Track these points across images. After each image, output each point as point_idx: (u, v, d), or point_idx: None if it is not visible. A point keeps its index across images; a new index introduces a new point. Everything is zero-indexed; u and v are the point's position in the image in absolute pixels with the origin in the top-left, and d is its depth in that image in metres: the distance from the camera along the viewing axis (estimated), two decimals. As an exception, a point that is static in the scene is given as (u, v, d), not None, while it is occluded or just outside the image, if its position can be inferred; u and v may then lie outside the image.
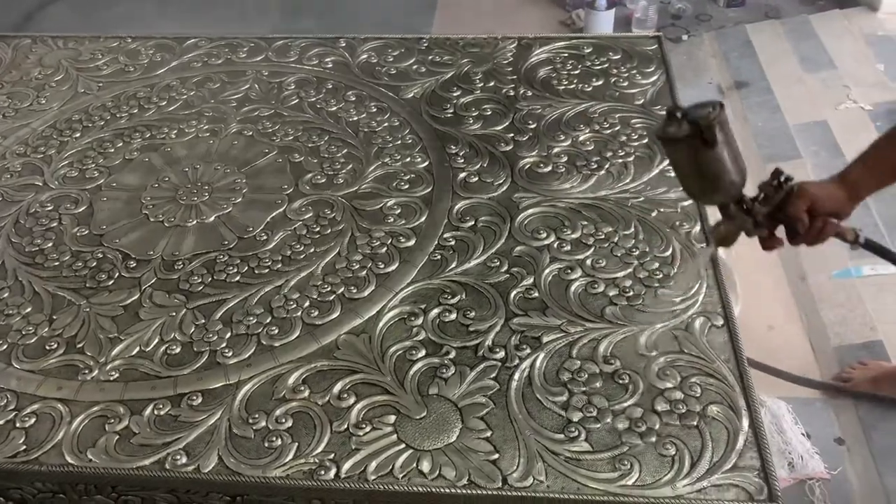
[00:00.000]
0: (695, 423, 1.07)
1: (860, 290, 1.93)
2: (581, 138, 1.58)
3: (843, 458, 1.66)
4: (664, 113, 1.11)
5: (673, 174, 1.45)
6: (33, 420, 1.12)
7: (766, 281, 1.90)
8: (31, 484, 1.10)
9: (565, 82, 1.75)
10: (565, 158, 1.53)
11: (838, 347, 1.81)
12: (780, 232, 1.24)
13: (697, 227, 1.37)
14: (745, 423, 1.06)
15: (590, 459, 1.03)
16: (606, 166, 1.51)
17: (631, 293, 1.26)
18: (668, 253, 1.32)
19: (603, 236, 1.36)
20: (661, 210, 1.40)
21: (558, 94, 1.71)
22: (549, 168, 1.51)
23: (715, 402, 1.09)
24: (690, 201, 1.42)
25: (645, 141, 1.57)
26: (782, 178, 1.16)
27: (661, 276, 1.28)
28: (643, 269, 1.30)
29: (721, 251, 1.84)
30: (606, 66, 1.79)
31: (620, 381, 1.12)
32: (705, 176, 1.11)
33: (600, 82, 1.74)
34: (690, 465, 1.02)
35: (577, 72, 1.78)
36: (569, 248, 1.34)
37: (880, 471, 1.62)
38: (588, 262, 1.32)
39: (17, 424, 1.11)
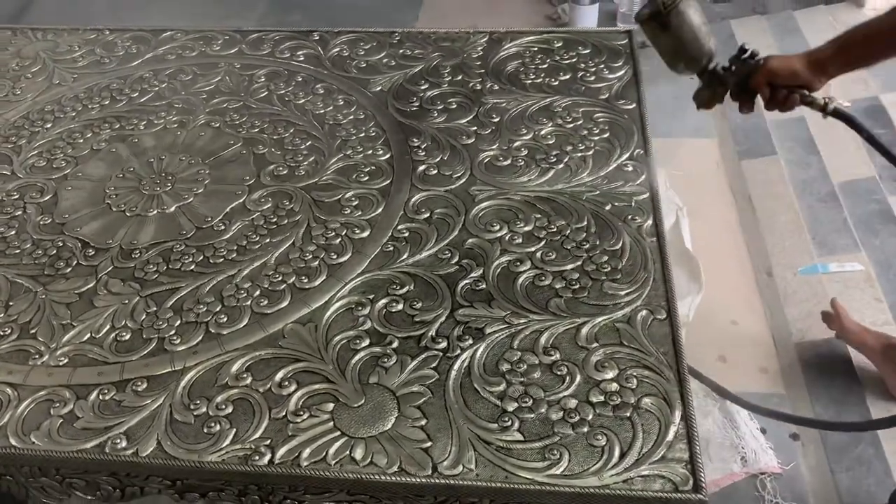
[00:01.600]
0: (627, 414, 1.08)
1: (826, 287, 1.93)
2: (543, 132, 1.59)
3: (797, 454, 1.67)
4: (638, 19, 1.32)
5: (629, 168, 1.47)
6: (-19, 403, 1.14)
7: (732, 274, 1.91)
8: (-22, 465, 1.13)
9: (532, 76, 1.76)
10: (525, 152, 1.54)
11: (800, 343, 1.81)
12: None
13: (650, 222, 1.37)
14: (678, 415, 1.07)
15: (520, 449, 1.04)
16: (565, 160, 1.52)
17: (577, 286, 1.27)
18: (619, 246, 1.33)
19: (555, 229, 1.37)
20: (615, 204, 1.41)
21: (524, 89, 1.72)
22: (509, 161, 1.52)
23: (650, 394, 1.10)
24: (645, 195, 1.43)
25: (606, 136, 1.57)
26: (747, 54, 1.30)
27: (608, 269, 1.29)
28: (591, 263, 1.31)
29: (688, 244, 1.86)
30: (575, 60, 1.80)
31: (558, 373, 1.14)
32: (694, 32, 1.28)
33: (567, 77, 1.75)
34: (620, 455, 1.03)
35: (545, 66, 1.78)
36: (520, 240, 1.35)
37: (833, 467, 1.63)
38: (538, 254, 1.33)
39: (-34, 407, 1.14)
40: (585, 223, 1.38)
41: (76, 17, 3.31)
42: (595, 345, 1.17)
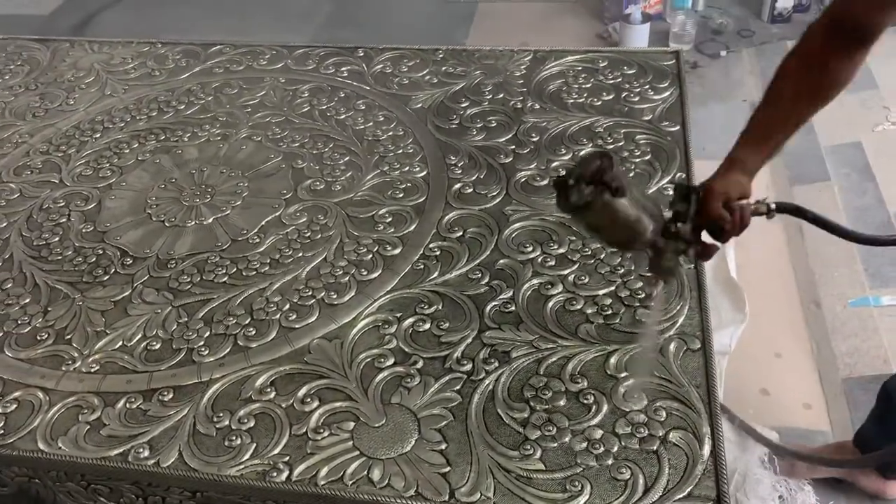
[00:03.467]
0: (654, 447, 1.04)
1: (877, 321, 1.84)
2: (582, 153, 1.56)
3: (838, 495, 1.59)
4: (554, 186, 1.07)
5: (669, 192, 1.43)
6: (14, 406, 1.17)
7: (778, 305, 1.84)
8: (8, 467, 1.16)
9: (574, 96, 1.73)
10: (563, 173, 1.52)
11: (847, 379, 1.73)
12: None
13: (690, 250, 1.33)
14: (707, 450, 1.03)
15: (541, 479, 1.02)
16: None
17: (609, 312, 1.24)
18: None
19: (589, 252, 1.34)
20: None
21: (566, 108, 1.70)
22: (546, 182, 1.50)
23: (679, 427, 1.06)
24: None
25: (647, 158, 1.54)
26: (688, 190, 1.14)
27: (643, 295, 1.26)
28: (625, 288, 1.27)
29: (733, 273, 1.80)
30: (619, 80, 1.77)
31: (584, 401, 1.11)
32: (627, 223, 1.05)
33: (610, 97, 1.72)
34: (644, 490, 1.00)
35: (588, 85, 1.76)
36: (553, 262, 1.33)
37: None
38: (570, 277, 1.30)
39: (0, 410, 1.16)
40: (621, 247, 1.34)
41: (138, 30, 3.41)
42: (624, 374, 1.14)
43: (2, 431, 1.13)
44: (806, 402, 1.69)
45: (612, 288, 1.28)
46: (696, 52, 2.84)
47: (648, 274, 1.21)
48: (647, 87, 1.74)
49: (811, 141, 2.30)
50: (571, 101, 1.72)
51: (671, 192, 1.22)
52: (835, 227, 1.28)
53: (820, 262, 1.98)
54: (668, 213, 1.14)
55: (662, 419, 1.07)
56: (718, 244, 1.15)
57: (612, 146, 1.57)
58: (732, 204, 1.12)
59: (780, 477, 1.44)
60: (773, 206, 1.19)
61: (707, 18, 3.01)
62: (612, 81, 1.77)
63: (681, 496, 0.98)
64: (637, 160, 1.53)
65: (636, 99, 1.71)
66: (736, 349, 1.72)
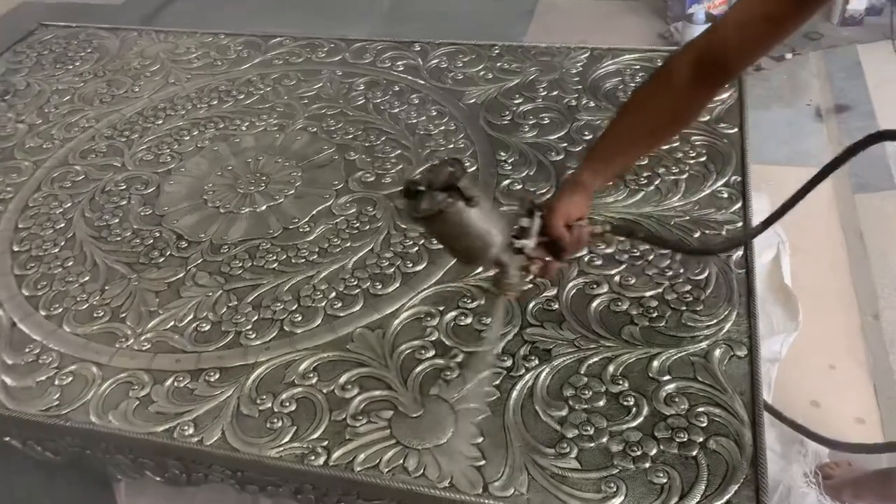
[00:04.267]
0: (693, 453, 1.02)
1: (941, 336, 1.77)
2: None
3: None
4: (403, 194, 1.02)
5: (723, 195, 1.40)
6: (70, 379, 1.22)
7: (834, 315, 1.78)
8: (62, 437, 1.21)
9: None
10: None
11: (905, 395, 1.67)
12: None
13: (740, 253, 1.31)
14: (749, 459, 1.01)
15: (576, 478, 1.01)
16: (656, 182, 1.47)
17: (655, 314, 1.22)
18: (703, 276, 1.27)
19: (638, 253, 1.33)
20: (705, 232, 1.35)
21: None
22: (596, 181, 1.48)
23: (721, 434, 1.04)
24: (738, 224, 1.36)
25: (702, 160, 1.51)
26: (531, 207, 1.12)
27: (690, 299, 1.24)
28: (672, 291, 1.25)
29: (787, 280, 1.76)
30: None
31: (624, 403, 1.09)
32: (477, 234, 1.01)
33: (667, 97, 1.69)
34: (680, 495, 0.98)
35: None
36: (600, 262, 1.32)
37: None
38: (616, 278, 1.29)
39: (56, 382, 1.21)
40: (670, 250, 1.32)
41: (203, 21, 3.49)
42: (667, 377, 1.12)
43: (57, 403, 1.18)
44: (859, 416, 1.63)
45: (659, 290, 1.26)
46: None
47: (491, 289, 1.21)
48: (705, 87, 1.70)
49: (878, 148, 2.21)
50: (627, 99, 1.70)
51: (517, 208, 1.20)
52: (667, 242, 1.31)
53: (881, 273, 1.91)
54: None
55: (704, 425, 1.06)
56: (558, 263, 1.14)
57: (666, 147, 1.54)
58: (572, 224, 1.12)
59: (825, 497, 1.40)
60: (608, 227, 1.18)
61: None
62: (669, 81, 1.73)
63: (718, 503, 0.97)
64: (692, 161, 1.51)
65: (694, 100, 1.67)
66: (788, 358, 1.67)
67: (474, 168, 1.56)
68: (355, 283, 1.33)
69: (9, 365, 1.25)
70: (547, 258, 1.12)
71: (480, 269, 1.32)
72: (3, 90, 1.98)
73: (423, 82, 1.85)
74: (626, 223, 1.35)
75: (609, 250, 1.33)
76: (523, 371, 1.15)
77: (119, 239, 1.49)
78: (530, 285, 1.24)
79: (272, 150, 1.69)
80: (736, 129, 1.58)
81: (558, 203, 1.12)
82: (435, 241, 1.31)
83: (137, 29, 2.23)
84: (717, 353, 1.15)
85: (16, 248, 1.48)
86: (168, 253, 1.44)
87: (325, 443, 1.08)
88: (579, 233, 1.13)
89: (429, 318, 1.24)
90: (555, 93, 1.76)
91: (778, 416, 1.44)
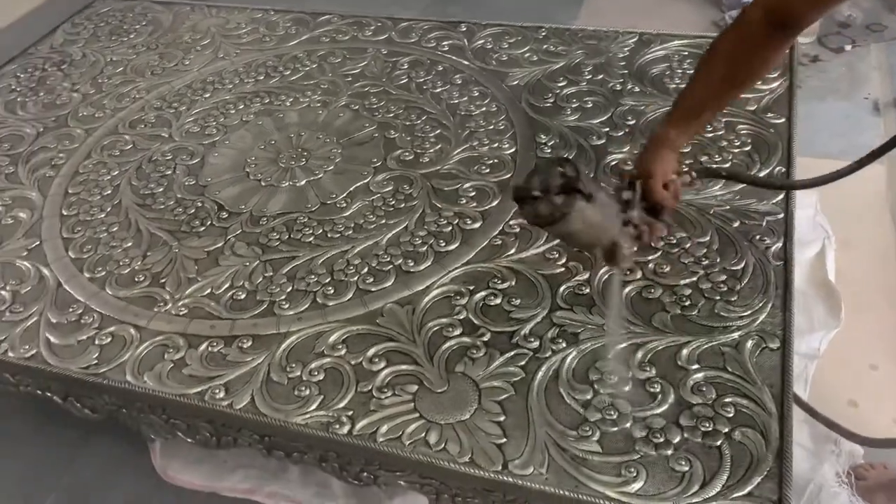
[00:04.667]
0: (718, 443, 1.01)
1: None
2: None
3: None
4: (516, 201, 1.05)
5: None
6: (109, 339, 1.26)
7: (880, 314, 1.72)
8: (100, 395, 1.25)
9: (678, 81, 1.68)
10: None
11: (950, 400, 1.61)
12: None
13: (779, 245, 1.28)
14: (774, 452, 0.99)
15: (596, 461, 1.01)
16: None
17: (687, 303, 1.20)
18: (740, 266, 1.25)
19: (674, 241, 1.31)
20: (745, 222, 1.33)
21: (666, 93, 1.65)
22: (636, 167, 1.47)
23: (747, 425, 1.03)
24: (780, 215, 1.33)
25: (747, 149, 1.48)
26: (631, 179, 1.15)
27: (725, 289, 1.22)
28: (707, 280, 1.24)
29: (831, 276, 1.71)
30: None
31: (650, 390, 1.09)
32: (598, 224, 1.04)
33: (715, 84, 1.65)
34: (701, 484, 0.97)
35: (692, 71, 1.70)
36: (635, 248, 1.30)
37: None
38: (651, 265, 1.27)
39: (96, 341, 1.26)
40: (708, 238, 1.30)
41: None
42: (695, 366, 1.11)
43: (96, 361, 1.22)
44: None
45: (694, 279, 1.24)
46: (818, 45, 2.68)
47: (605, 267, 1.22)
48: (755, 76, 1.66)
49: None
50: (674, 85, 1.67)
51: (615, 182, 1.23)
52: (750, 178, 1.36)
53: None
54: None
55: (730, 415, 1.04)
56: (663, 224, 1.18)
57: (710, 134, 1.52)
58: (668, 182, 1.16)
59: (857, 498, 1.37)
60: (694, 175, 1.24)
61: (834, 10, 2.84)
62: (718, 69, 1.70)
63: (739, 494, 0.96)
64: (735, 150, 1.48)
65: (742, 88, 1.64)
66: (828, 356, 1.63)
67: (512, 150, 1.56)
68: (388, 259, 1.34)
69: (53, 323, 1.29)
70: (652, 222, 1.16)
71: (513, 251, 1.32)
72: (59, 60, 2.05)
73: (467, 63, 1.85)
74: (706, 167, 1.39)
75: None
76: (550, 353, 1.15)
77: (163, 207, 1.52)
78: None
79: (314, 126, 1.71)
80: (784, 119, 1.54)
81: (654, 166, 1.15)
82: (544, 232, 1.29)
83: (190, 3, 2.27)
84: (749, 344, 1.13)
85: (65, 213, 1.53)
86: (209, 223, 1.47)
87: (350, 412, 1.10)
88: (676, 188, 1.18)
89: (458, 297, 1.25)
90: (600, 77, 1.74)
91: (810, 411, 1.41)
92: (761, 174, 1.42)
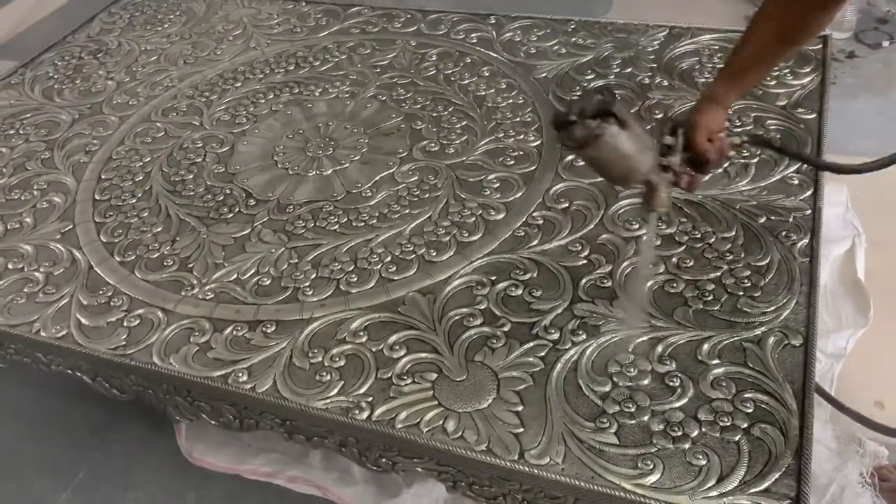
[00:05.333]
0: (736, 438, 1.01)
1: None
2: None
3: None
4: (554, 125, 1.09)
5: (794, 181, 1.36)
6: (137, 322, 1.29)
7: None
8: (127, 376, 1.28)
9: (707, 75, 1.67)
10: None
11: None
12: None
13: (805, 241, 1.27)
14: (793, 449, 0.99)
15: (613, 453, 1.01)
16: (725, 165, 1.43)
17: (710, 298, 1.20)
18: (765, 262, 1.24)
19: (699, 236, 1.30)
20: (771, 218, 1.31)
21: (695, 87, 1.64)
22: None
23: (766, 421, 1.02)
24: (807, 212, 1.32)
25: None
26: (675, 124, 1.18)
27: (748, 284, 1.21)
28: (731, 276, 1.23)
29: (860, 275, 1.69)
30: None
31: (670, 384, 1.08)
32: (630, 156, 1.08)
33: (745, 79, 1.64)
34: (718, 479, 0.97)
35: (722, 66, 1.68)
36: (658, 242, 1.30)
37: None
38: (674, 259, 1.27)
39: (125, 323, 1.28)
40: (733, 234, 1.30)
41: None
42: (716, 361, 1.10)
43: (124, 343, 1.25)
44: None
45: (717, 274, 1.23)
46: (854, 41, 2.63)
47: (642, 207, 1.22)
48: (786, 71, 1.65)
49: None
50: (703, 80, 1.66)
51: (657, 125, 1.30)
52: (801, 155, 1.38)
53: None
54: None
55: (749, 411, 1.04)
56: (703, 175, 1.22)
57: (739, 129, 1.50)
58: (713, 137, 1.18)
59: (880, 499, 1.35)
60: (745, 138, 1.27)
61: (872, 6, 2.78)
62: (748, 63, 1.68)
63: (756, 490, 0.95)
64: (764, 146, 1.46)
65: (772, 83, 1.62)
66: (855, 356, 1.61)
67: (538, 143, 1.56)
68: (411, 248, 1.35)
69: (83, 305, 1.33)
70: (692, 172, 1.19)
71: (535, 242, 1.32)
72: (96, 48, 2.09)
73: (495, 55, 1.85)
74: (761, 136, 1.41)
75: (669, 231, 1.31)
76: (569, 345, 1.15)
77: (192, 194, 1.55)
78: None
79: (342, 117, 1.73)
80: (814, 115, 1.52)
81: (700, 118, 1.18)
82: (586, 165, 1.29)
83: (224, -6, 2.30)
84: (772, 340, 1.12)
85: (97, 197, 1.57)
86: (237, 209, 1.50)
87: (370, 399, 1.11)
88: (721, 145, 1.19)
89: (480, 287, 1.26)
90: (628, 70, 1.73)
91: (838, 405, 1.40)
92: (789, 169, 1.41)
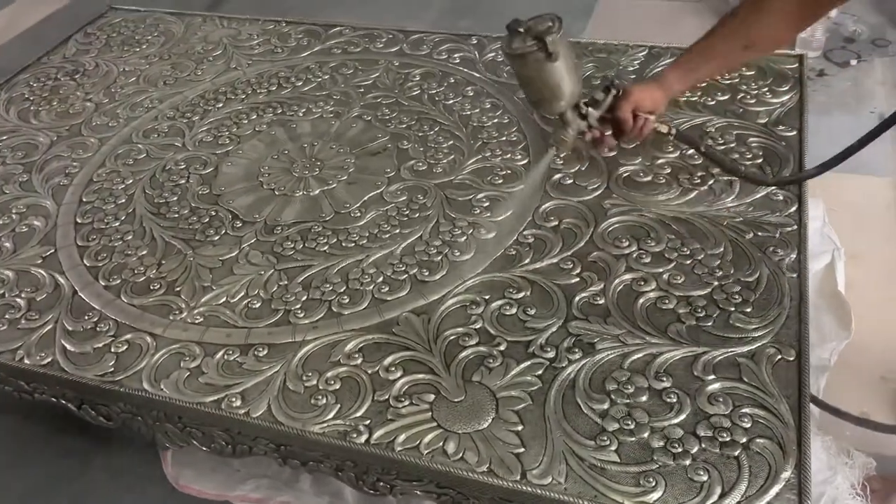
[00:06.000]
0: (736, 453, 1.01)
1: None
2: (691, 151, 1.53)
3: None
4: (507, 29, 1.21)
5: (779, 197, 1.39)
6: (125, 347, 1.26)
7: (890, 326, 1.73)
8: (115, 403, 1.25)
9: (688, 94, 1.69)
10: (668, 170, 1.49)
11: (961, 413, 1.61)
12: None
13: (793, 256, 1.29)
14: (792, 463, 1.00)
15: (615, 471, 1.01)
16: (710, 182, 1.45)
17: (702, 314, 1.21)
18: (754, 278, 1.26)
19: (688, 252, 1.31)
20: (758, 234, 1.33)
21: (677, 105, 1.66)
22: (649, 178, 1.48)
23: (764, 436, 1.03)
24: (793, 227, 1.34)
25: (759, 161, 1.49)
26: (610, 84, 1.30)
27: (739, 300, 1.22)
28: (721, 291, 1.24)
29: (841, 288, 1.72)
30: (736, 81, 1.71)
31: (667, 400, 1.09)
32: (548, 85, 1.22)
33: (726, 97, 1.67)
34: (720, 494, 0.98)
35: (702, 84, 1.71)
36: (648, 259, 1.31)
37: None
38: (665, 276, 1.28)
39: (112, 349, 1.26)
40: (722, 250, 1.31)
41: (265, 9, 3.54)
42: (712, 377, 1.11)
43: (112, 369, 1.22)
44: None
45: (708, 290, 1.25)
46: (824, 60, 2.70)
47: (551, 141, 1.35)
48: (765, 89, 1.68)
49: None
50: (684, 98, 1.68)
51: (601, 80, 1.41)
52: (724, 163, 1.42)
53: None
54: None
55: (747, 426, 1.04)
56: (613, 142, 1.36)
57: (722, 147, 1.53)
58: (640, 113, 1.28)
59: (872, 505, 1.37)
60: (674, 130, 1.37)
61: (839, 25, 2.85)
62: (728, 81, 1.71)
63: (759, 505, 0.96)
64: (748, 163, 1.49)
65: (752, 101, 1.65)
66: (839, 368, 1.64)
67: (525, 161, 1.57)
68: (403, 268, 1.35)
69: (69, 331, 1.30)
70: (606, 133, 1.30)
71: (527, 261, 1.32)
72: (73, 69, 2.06)
73: (478, 75, 1.86)
74: (691, 135, 1.48)
75: (658, 248, 1.32)
76: (566, 363, 1.15)
77: (177, 216, 1.53)
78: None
79: (327, 137, 1.72)
80: (795, 132, 1.56)
81: (634, 91, 1.27)
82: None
83: (202, 14, 2.28)
84: (766, 355, 1.13)
85: (79, 220, 1.54)
86: (223, 231, 1.48)
87: (368, 422, 1.10)
88: (644, 123, 1.29)
89: (474, 307, 1.25)
90: (610, 89, 1.75)
91: (835, 412, 1.43)
92: (773, 187, 1.43)
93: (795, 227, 1.34)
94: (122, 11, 2.34)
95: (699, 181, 1.46)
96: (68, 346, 1.27)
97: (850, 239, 1.93)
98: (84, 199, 1.60)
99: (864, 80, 2.61)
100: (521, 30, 1.19)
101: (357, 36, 2.09)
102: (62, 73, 2.06)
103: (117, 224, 1.52)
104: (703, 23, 3.19)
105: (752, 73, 1.73)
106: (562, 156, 1.37)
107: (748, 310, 1.21)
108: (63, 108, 1.91)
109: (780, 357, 1.13)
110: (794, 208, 1.38)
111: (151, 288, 1.37)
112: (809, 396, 1.06)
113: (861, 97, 2.53)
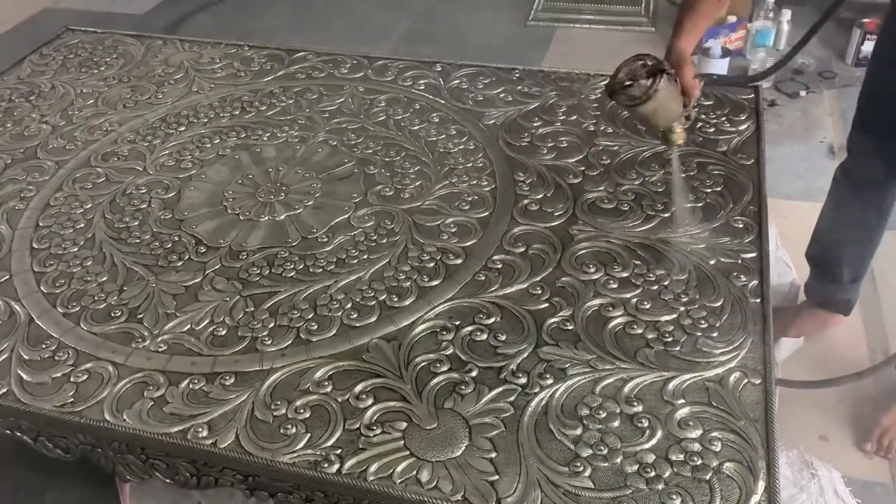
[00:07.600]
0: (707, 477, 1.03)
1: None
2: (653, 179, 1.56)
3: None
4: (608, 93, 1.33)
5: (739, 224, 1.42)
6: (85, 377, 1.22)
7: (843, 347, 1.78)
8: (74, 435, 1.21)
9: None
10: (632, 197, 1.52)
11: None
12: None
13: (755, 282, 1.32)
14: (762, 486, 1.01)
15: (589, 496, 1.01)
16: (673, 209, 1.48)
17: (670, 339, 1.22)
18: (719, 303, 1.28)
19: (654, 278, 1.34)
20: (721, 259, 1.36)
21: (638, 134, 1.69)
22: (613, 205, 1.50)
23: (734, 459, 1.05)
24: (754, 254, 1.37)
25: (719, 189, 1.53)
26: (659, 64, 1.35)
27: (705, 325, 1.24)
28: (688, 317, 1.26)
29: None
30: (695, 111, 1.76)
31: (639, 425, 1.10)
32: (678, 97, 1.34)
33: (686, 126, 1.71)
34: (693, 519, 0.98)
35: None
36: (616, 285, 1.32)
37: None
38: (633, 301, 1.29)
39: (71, 379, 1.22)
40: (686, 276, 1.33)
41: (227, 34, 3.53)
42: (681, 401, 1.13)
43: (72, 399, 1.18)
44: (868, 449, 1.63)
45: (675, 315, 1.27)
46: (774, 91, 2.80)
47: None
48: (723, 119, 1.73)
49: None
50: (645, 127, 1.72)
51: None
52: (734, 82, 1.63)
53: (893, 311, 1.91)
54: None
55: (717, 450, 1.06)
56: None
57: (683, 175, 1.56)
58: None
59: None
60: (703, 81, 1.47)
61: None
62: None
63: (731, 529, 0.97)
64: (708, 190, 1.52)
65: (711, 130, 1.70)
66: (798, 392, 1.68)
67: (492, 187, 1.58)
68: (372, 294, 1.34)
69: (25, 360, 1.25)
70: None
71: (496, 287, 1.33)
72: (28, 91, 2.01)
73: (443, 102, 1.87)
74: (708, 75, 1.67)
75: (624, 274, 1.34)
76: (538, 389, 1.15)
77: (138, 241, 1.50)
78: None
79: (293, 161, 1.71)
80: (753, 161, 1.60)
81: (683, 56, 1.40)
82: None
83: (163, 37, 2.26)
84: (732, 379, 1.15)
85: (35, 246, 1.49)
86: (187, 257, 1.45)
87: (339, 451, 1.08)
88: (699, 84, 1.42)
89: (444, 332, 1.25)
90: (573, 117, 1.78)
91: (809, 384, 1.48)
92: (734, 213, 1.47)
93: (756, 253, 1.38)
94: (79, 32, 2.30)
95: (662, 208, 1.49)
96: (25, 376, 1.23)
97: (802, 263, 1.99)
98: (41, 224, 1.55)
99: (813, 111, 2.71)
100: (628, 82, 1.29)
101: (321, 61, 2.09)
102: (17, 94, 2.00)
103: (76, 249, 1.48)
104: (659, 53, 3.29)
105: (711, 103, 1.79)
106: (679, 143, 1.44)
107: (714, 335, 1.23)
108: (18, 130, 1.86)
109: (746, 381, 1.15)
110: (753, 235, 1.41)
111: (112, 315, 1.33)
112: (776, 381, 1.08)
113: (811, 126, 2.62)
